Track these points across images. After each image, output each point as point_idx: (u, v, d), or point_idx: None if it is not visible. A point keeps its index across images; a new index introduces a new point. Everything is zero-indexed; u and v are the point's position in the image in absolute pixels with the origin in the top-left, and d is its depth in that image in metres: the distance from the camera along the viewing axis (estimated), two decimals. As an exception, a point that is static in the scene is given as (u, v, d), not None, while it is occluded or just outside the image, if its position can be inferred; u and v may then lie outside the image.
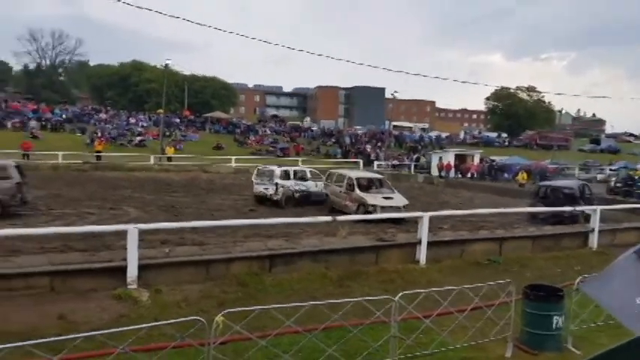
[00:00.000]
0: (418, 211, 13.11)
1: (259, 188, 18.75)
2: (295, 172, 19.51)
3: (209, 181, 27.45)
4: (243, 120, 61.97)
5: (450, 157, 37.48)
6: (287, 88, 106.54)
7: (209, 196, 20.75)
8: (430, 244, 9.97)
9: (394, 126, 61.47)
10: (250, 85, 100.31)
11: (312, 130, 59.65)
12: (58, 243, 10.41)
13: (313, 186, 19.22)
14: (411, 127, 72.09)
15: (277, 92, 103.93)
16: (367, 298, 5.08)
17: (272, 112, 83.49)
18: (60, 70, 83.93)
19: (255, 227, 12.65)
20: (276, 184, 17.93)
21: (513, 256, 10.77)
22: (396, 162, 44.80)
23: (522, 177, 30.85)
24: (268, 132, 55.29)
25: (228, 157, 37.65)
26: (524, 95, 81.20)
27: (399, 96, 51.14)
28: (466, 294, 5.55)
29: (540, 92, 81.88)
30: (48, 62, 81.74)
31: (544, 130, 73.00)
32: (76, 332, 5.40)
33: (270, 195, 18.23)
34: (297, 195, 18.64)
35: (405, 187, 26.56)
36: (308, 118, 79.57)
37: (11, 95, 62.72)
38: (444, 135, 64.88)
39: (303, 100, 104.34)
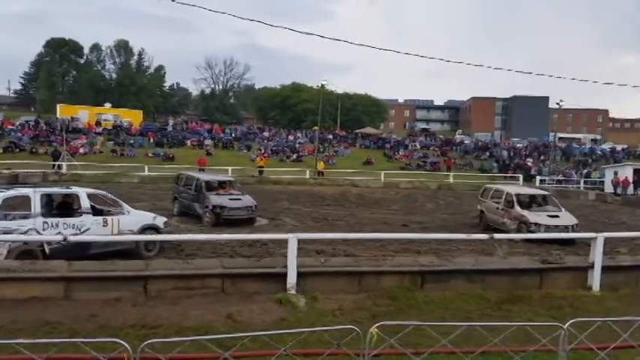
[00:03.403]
0: (589, 231, 11.74)
1: None
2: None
3: (359, 195, 28.03)
4: (393, 135, 62.19)
5: (627, 172, 33.01)
6: (438, 102, 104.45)
7: (358, 210, 21.17)
8: (605, 268, 8.81)
9: (560, 138, 56.10)
10: (401, 100, 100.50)
11: (464, 144, 57.33)
12: (228, 248, 11.55)
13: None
14: (579, 139, 65.11)
15: (428, 106, 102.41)
16: (532, 323, 4.67)
17: (422, 126, 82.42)
18: (230, 93, 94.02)
19: (405, 242, 12.56)
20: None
21: None
22: (561, 177, 40.75)
23: None
24: (418, 146, 54.63)
25: (377, 171, 38.11)
26: None
27: (565, 105, 46.56)
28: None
29: None
30: (220, 87, 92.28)
31: None
32: (241, 331, 5.90)
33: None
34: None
35: (573, 204, 24.00)
36: (460, 131, 76.73)
37: (190, 117, 71.84)
38: (619, 147, 57.19)
39: (455, 112, 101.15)
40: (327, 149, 49.33)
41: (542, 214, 15.07)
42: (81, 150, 39.57)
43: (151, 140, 45.35)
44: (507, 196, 15.94)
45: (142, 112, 58.98)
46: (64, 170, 31.24)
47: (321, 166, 39.58)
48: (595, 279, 8.73)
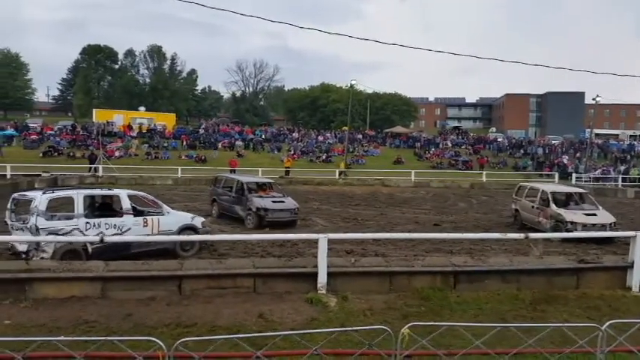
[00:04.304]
0: (628, 230, 11.34)
1: None
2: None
3: (389, 194, 27.85)
4: (423, 133, 61.50)
5: (670, 168, 31.65)
6: (470, 99, 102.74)
7: (389, 209, 21.03)
8: (646, 268, 8.50)
9: (596, 134, 54.33)
10: (431, 99, 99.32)
11: (497, 141, 56.17)
12: (259, 249, 11.67)
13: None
14: (617, 135, 62.89)
15: (459, 104, 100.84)
16: (568, 324, 4.54)
17: (453, 124, 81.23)
18: (260, 95, 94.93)
19: (437, 242, 12.42)
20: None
21: None
22: (599, 174, 39.46)
23: None
24: (449, 145, 53.85)
25: (408, 170, 37.78)
26: None
27: (602, 100, 45.01)
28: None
29: None
30: (250, 89, 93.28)
31: None
32: (272, 330, 5.95)
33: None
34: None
35: (611, 202, 23.23)
36: (493, 129, 75.18)
37: (222, 120, 72.87)
38: (659, 142, 54.96)
39: (488, 110, 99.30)
40: (357, 149, 49.18)
41: (579, 212, 14.65)
42: (116, 153, 40.67)
43: (184, 143, 46.22)
44: (543, 195, 15.55)
45: (175, 115, 60.22)
46: (100, 173, 32.18)
47: (343, 166, 39.26)
48: (635, 279, 8.44)
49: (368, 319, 6.60)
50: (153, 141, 45.75)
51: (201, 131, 51.79)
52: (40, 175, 29.19)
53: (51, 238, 9.29)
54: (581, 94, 74.39)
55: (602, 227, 13.87)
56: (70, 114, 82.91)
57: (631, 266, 8.51)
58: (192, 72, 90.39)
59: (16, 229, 9.74)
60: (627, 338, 4.42)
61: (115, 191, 11.21)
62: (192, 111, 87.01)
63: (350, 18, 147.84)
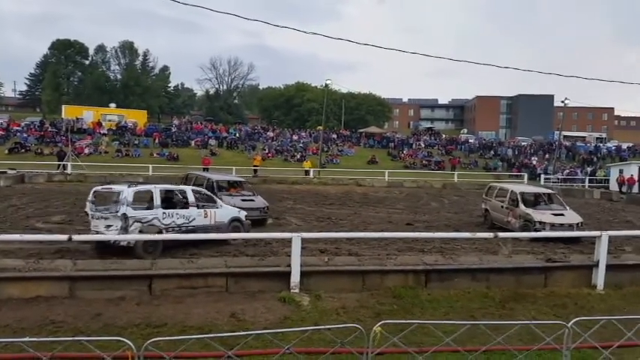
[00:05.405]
0: (594, 230, 11.70)
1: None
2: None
3: (363, 194, 28.01)
4: (397, 134, 62.08)
5: (633, 170, 32.85)
6: (443, 101, 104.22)
7: (363, 209, 21.15)
8: (610, 267, 8.79)
9: (565, 136, 55.84)
10: (405, 100, 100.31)
11: (469, 142, 57.14)
12: (232, 248, 11.58)
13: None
14: (584, 137, 64.78)
15: (432, 105, 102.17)
16: (535, 322, 4.66)
17: (426, 125, 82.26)
18: (234, 94, 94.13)
19: (409, 241, 12.55)
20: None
21: None
22: (566, 175, 40.57)
23: None
24: (422, 145, 54.51)
25: (382, 170, 38.07)
26: None
27: (570, 103, 46.32)
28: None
29: None
30: (224, 87, 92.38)
31: None
32: (245, 330, 5.92)
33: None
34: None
35: (578, 203, 23.91)
36: (465, 130, 76.48)
37: (195, 117, 71.98)
38: (624, 145, 56.87)
39: (460, 111, 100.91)
40: (331, 149, 49.29)
41: (547, 212, 15.01)
42: (86, 150, 39.75)
43: (156, 140, 45.46)
44: (512, 195, 15.89)
45: (146, 112, 59.08)
46: (69, 171, 31.38)
47: (307, 165, 39.07)
48: (599, 277, 8.71)
49: (341, 317, 6.63)
50: (123, 138, 44.85)
51: (174, 129, 51.05)
52: (5, 172, 28.29)
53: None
54: (550, 97, 76.29)
55: (570, 227, 14.23)
56: (38, 110, 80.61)
57: (596, 265, 8.78)
58: (165, 68, 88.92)
59: (97, 218, 10.81)
60: (592, 335, 4.56)
61: (183, 187, 12.74)
62: (165, 108, 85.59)
63: (327, 18, 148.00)
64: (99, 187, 11.79)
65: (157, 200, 11.12)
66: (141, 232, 10.51)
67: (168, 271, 7.57)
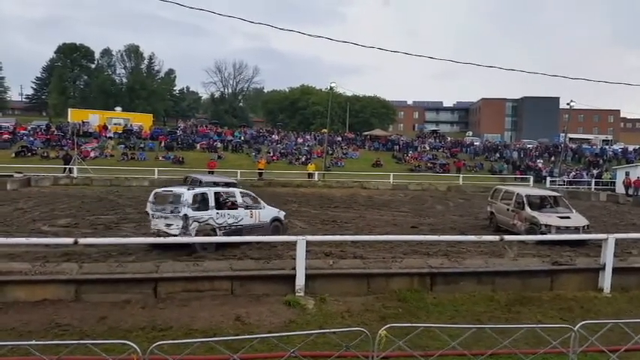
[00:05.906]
0: (600, 232, 11.63)
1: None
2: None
3: (368, 197, 27.96)
4: (402, 137, 62.01)
5: (639, 173, 32.65)
6: (447, 103, 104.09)
7: (367, 212, 21.12)
8: (616, 270, 8.73)
9: (570, 138, 55.58)
10: (410, 102, 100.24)
11: (474, 145, 56.99)
12: (237, 251, 11.59)
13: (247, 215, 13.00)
14: (590, 140, 64.51)
15: (437, 107, 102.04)
16: (542, 325, 4.63)
17: (431, 127, 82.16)
18: (239, 97, 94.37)
19: (414, 244, 12.52)
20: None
21: None
22: (572, 178, 40.35)
23: None
24: (427, 148, 54.42)
25: (386, 173, 38.02)
26: None
27: (576, 106, 46.12)
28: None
29: None
30: (230, 90, 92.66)
31: None
32: (250, 333, 5.92)
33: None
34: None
35: (584, 205, 23.80)
36: (470, 133, 76.30)
37: (200, 121, 72.17)
38: (631, 147, 56.56)
39: (465, 114, 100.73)
40: (336, 152, 49.29)
41: (553, 215, 14.93)
42: (92, 154, 39.91)
43: (162, 144, 45.63)
44: (518, 198, 15.82)
45: (152, 115, 59.33)
46: (74, 174, 31.53)
47: (311, 168, 39.12)
48: (606, 280, 8.65)
49: (346, 320, 6.61)
50: (129, 142, 45.04)
51: (179, 132, 51.21)
52: (12, 175, 28.45)
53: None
54: (556, 100, 76.12)
55: (576, 230, 14.14)
56: (44, 113, 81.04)
57: (603, 268, 8.73)
58: (171, 72, 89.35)
59: (157, 218, 11.68)
60: (599, 338, 4.53)
61: (232, 190, 13.41)
62: (170, 112, 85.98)
63: (332, 21, 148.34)
64: (159, 189, 12.70)
65: (212, 202, 11.96)
66: (198, 231, 11.37)
67: (174, 274, 7.58)
